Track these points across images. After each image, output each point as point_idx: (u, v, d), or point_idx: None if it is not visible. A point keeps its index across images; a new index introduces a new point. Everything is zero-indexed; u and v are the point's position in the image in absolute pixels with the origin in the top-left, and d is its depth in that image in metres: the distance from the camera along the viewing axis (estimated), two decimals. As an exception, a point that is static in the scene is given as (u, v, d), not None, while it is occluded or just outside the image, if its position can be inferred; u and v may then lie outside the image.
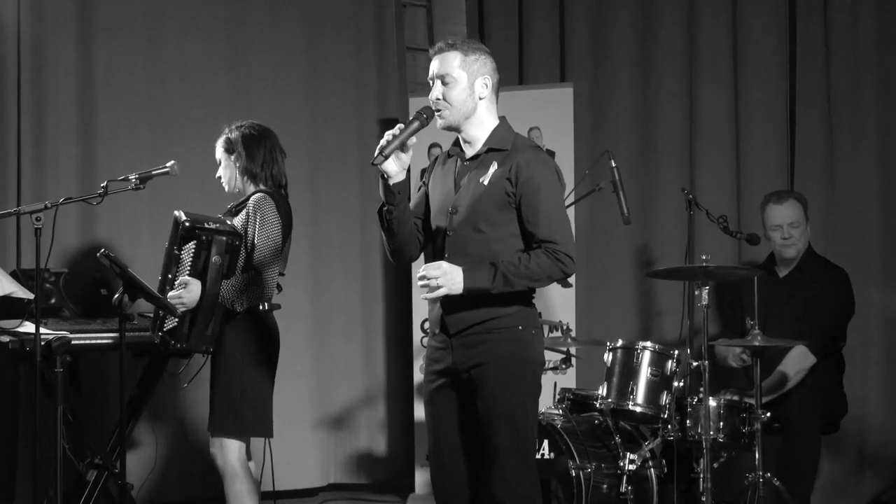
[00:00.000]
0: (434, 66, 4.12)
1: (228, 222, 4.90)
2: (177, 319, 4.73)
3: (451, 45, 4.12)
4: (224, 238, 4.77)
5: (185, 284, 4.72)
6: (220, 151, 5.09)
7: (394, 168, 3.95)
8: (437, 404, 4.16)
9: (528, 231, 4.07)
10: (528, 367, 4.12)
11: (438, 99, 4.08)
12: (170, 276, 4.78)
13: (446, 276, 3.95)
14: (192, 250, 4.74)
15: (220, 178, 5.12)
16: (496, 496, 4.03)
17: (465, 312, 4.04)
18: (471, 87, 4.10)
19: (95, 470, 5.24)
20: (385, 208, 4.03)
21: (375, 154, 3.91)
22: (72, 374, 5.58)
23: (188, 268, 4.75)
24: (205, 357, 4.98)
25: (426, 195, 4.26)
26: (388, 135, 3.93)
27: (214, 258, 4.73)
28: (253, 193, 4.95)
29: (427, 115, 4.03)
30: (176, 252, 4.78)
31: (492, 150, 4.12)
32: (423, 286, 3.99)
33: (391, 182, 3.97)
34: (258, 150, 5.01)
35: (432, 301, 4.07)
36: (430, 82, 4.13)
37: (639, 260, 7.15)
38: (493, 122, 4.16)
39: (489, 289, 3.98)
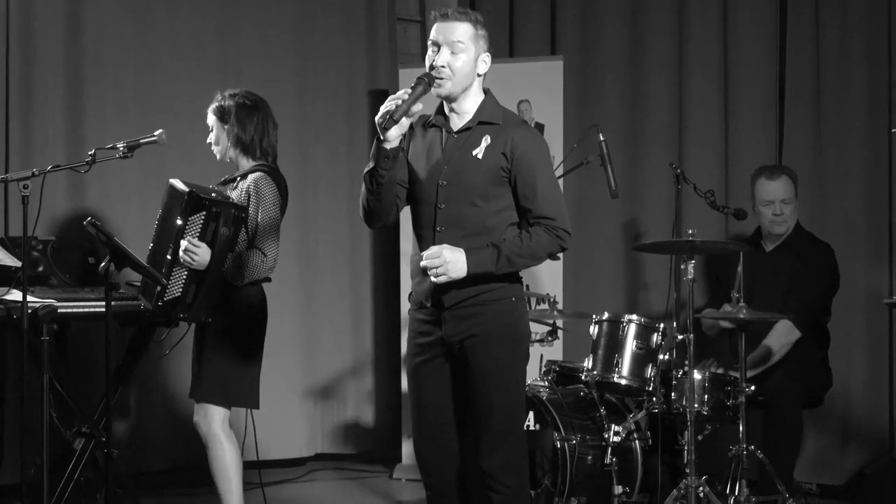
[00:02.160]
0: (441, 30, 4.06)
1: (227, 194, 4.91)
2: (178, 291, 4.74)
3: (464, 14, 4.08)
4: (232, 210, 4.79)
5: (198, 245, 4.72)
6: (211, 118, 5.08)
7: (394, 133, 3.91)
8: (423, 377, 4.17)
9: (524, 207, 4.08)
10: (520, 339, 4.17)
11: (443, 66, 4.03)
12: (170, 245, 4.76)
13: (448, 264, 3.96)
14: (201, 222, 4.73)
15: (210, 143, 5.12)
16: (487, 466, 4.06)
17: (457, 285, 4.03)
18: (475, 62, 4.08)
19: (83, 438, 5.25)
20: (377, 172, 3.99)
21: (385, 118, 3.86)
22: (59, 342, 5.59)
23: (196, 237, 4.74)
24: (189, 326, 5.00)
25: (407, 162, 4.21)
26: (395, 99, 3.89)
27: (223, 230, 4.74)
28: (251, 171, 4.94)
29: (429, 80, 4.00)
30: (179, 223, 4.75)
31: (482, 123, 4.11)
32: (430, 275, 3.99)
33: (387, 146, 3.94)
34: (251, 121, 5.01)
35: (423, 275, 4.05)
36: (432, 46, 4.07)
37: (626, 233, 7.16)
38: (481, 96, 4.15)
39: (494, 271, 4.01)
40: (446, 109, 4.17)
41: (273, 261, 4.87)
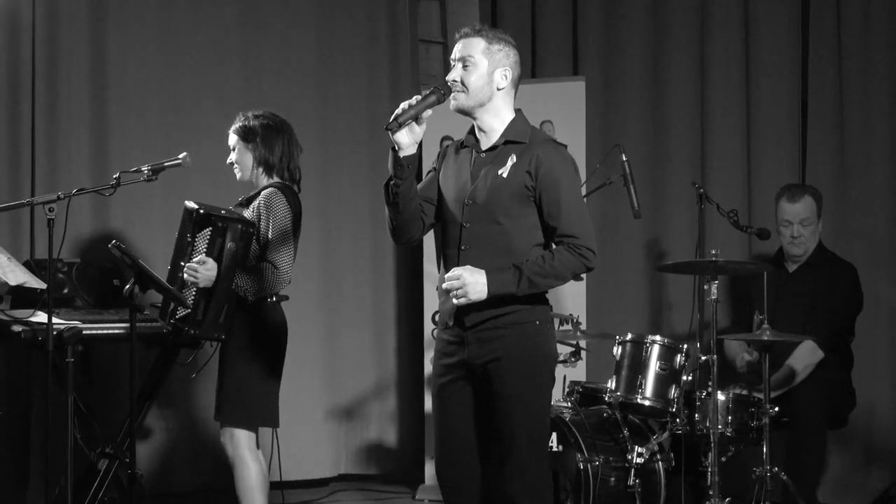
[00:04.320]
0: (457, 49, 4.10)
1: (240, 213, 4.93)
2: (188, 309, 4.76)
3: (478, 31, 4.10)
4: (239, 226, 4.80)
5: (203, 262, 4.74)
6: (234, 138, 5.10)
7: (406, 140, 3.92)
8: (447, 398, 4.13)
9: (549, 225, 4.05)
10: (545, 363, 4.12)
11: (455, 81, 4.05)
12: (182, 263, 4.80)
13: (467, 287, 3.94)
14: (208, 237, 4.77)
15: (231, 164, 5.14)
16: (510, 492, 4.02)
17: (479, 306, 4.00)
18: (490, 76, 4.07)
19: (106, 459, 5.27)
20: (392, 181, 4.00)
21: (389, 120, 3.88)
22: (84, 363, 5.61)
23: (203, 252, 4.78)
24: (213, 347, 5.02)
25: (437, 181, 4.22)
26: (403, 104, 3.90)
27: (230, 244, 4.76)
28: (264, 188, 4.97)
29: (444, 91, 4.00)
30: (189, 239, 4.81)
31: (509, 142, 4.10)
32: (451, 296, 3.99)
33: (401, 154, 3.93)
34: (277, 142, 5.04)
35: (448, 294, 4.03)
36: (452, 63, 4.11)
37: (649, 253, 7.16)
38: (510, 115, 4.14)
39: (515, 292, 3.98)
40: (476, 130, 4.18)
41: (286, 274, 4.87)
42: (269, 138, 5.03)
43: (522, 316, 4.04)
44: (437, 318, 4.24)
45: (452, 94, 4.06)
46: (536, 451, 4.07)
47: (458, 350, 4.10)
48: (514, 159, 4.05)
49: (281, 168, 5.02)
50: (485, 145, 4.14)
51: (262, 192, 4.95)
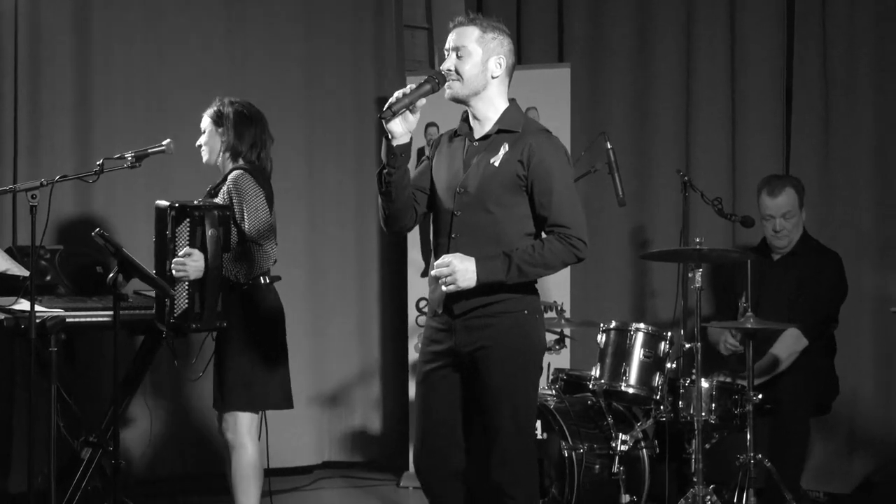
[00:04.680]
0: (451, 38, 4.11)
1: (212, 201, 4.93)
2: (185, 303, 4.75)
3: (472, 19, 4.11)
4: (215, 211, 4.80)
5: (189, 254, 4.74)
6: (206, 121, 5.11)
7: (399, 129, 3.92)
8: (431, 385, 4.14)
9: (540, 215, 4.06)
10: (533, 353, 4.13)
11: (449, 70, 4.06)
12: (167, 261, 4.79)
13: (456, 274, 3.94)
14: (187, 229, 4.76)
15: (199, 146, 5.14)
16: (496, 480, 4.03)
17: (468, 295, 4.01)
18: (484, 64, 4.08)
19: (90, 448, 5.26)
20: (385, 170, 4.00)
21: (384, 109, 3.88)
22: (67, 351, 5.60)
23: (186, 246, 4.77)
24: (206, 336, 5.01)
25: (430, 169, 4.23)
26: (398, 93, 3.91)
27: (210, 231, 4.75)
28: (229, 173, 4.97)
29: (439, 80, 4.01)
30: (169, 236, 4.80)
31: (502, 131, 4.11)
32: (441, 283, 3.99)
33: (395, 143, 3.94)
34: (248, 131, 5.04)
35: (437, 283, 4.04)
36: (446, 53, 4.12)
37: (634, 241, 7.16)
38: (504, 104, 4.16)
39: (504, 280, 3.98)
40: (470, 118, 4.18)
41: (270, 250, 4.87)
42: (240, 126, 5.04)
43: (511, 305, 4.05)
44: (423, 305, 4.24)
45: (447, 84, 4.07)
46: (523, 441, 4.08)
47: (445, 338, 4.10)
48: (507, 148, 4.06)
49: (248, 157, 5.03)
50: (478, 134, 4.15)
51: (229, 177, 4.96)
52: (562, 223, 4.02)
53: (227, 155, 5.05)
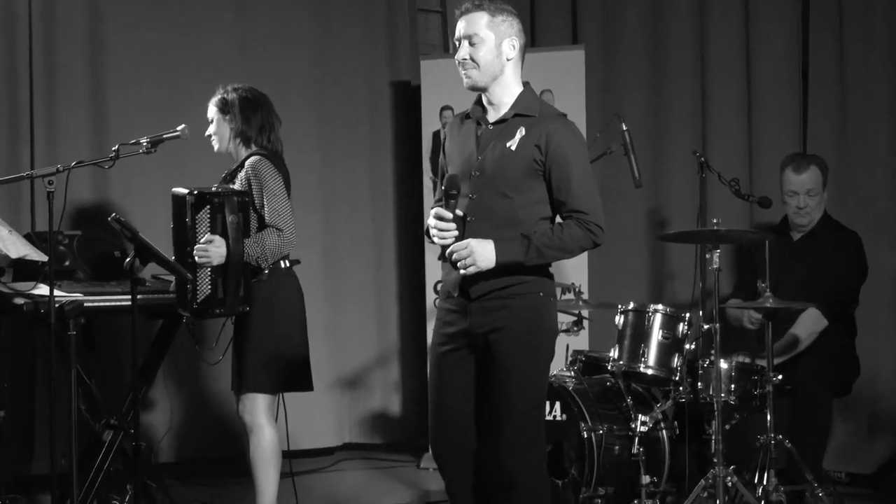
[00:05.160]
0: (460, 27, 4.10)
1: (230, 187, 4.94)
2: (208, 288, 4.77)
3: (478, 5, 4.09)
4: (234, 197, 4.82)
5: (210, 241, 4.76)
6: (213, 110, 5.14)
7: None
8: (445, 367, 4.16)
9: (558, 200, 4.07)
10: (547, 335, 4.15)
11: (465, 59, 4.06)
12: (188, 249, 4.80)
13: (475, 255, 3.96)
14: (208, 216, 4.78)
15: (209, 136, 5.16)
16: (504, 462, 4.04)
17: (485, 277, 4.02)
18: (498, 48, 4.08)
19: (111, 430, 5.27)
20: None
21: (449, 255, 4.01)
22: (87, 335, 5.60)
23: (207, 232, 4.78)
24: (225, 320, 5.02)
25: (443, 157, 4.26)
26: (445, 236, 4.00)
27: (230, 217, 4.77)
28: (247, 157, 4.98)
29: (457, 189, 4.04)
30: (188, 222, 4.80)
31: (518, 115, 4.11)
32: (459, 266, 4.01)
33: None
34: (255, 114, 5.07)
35: (452, 265, 4.05)
36: (457, 43, 4.11)
37: (651, 223, 7.15)
38: (518, 88, 4.16)
39: (522, 262, 4.00)
40: (484, 101, 4.17)
41: (290, 234, 4.90)
42: (247, 110, 5.06)
43: (527, 287, 4.06)
44: (439, 287, 4.24)
45: (465, 73, 4.08)
46: (533, 423, 4.09)
47: (460, 319, 4.11)
48: (523, 132, 4.06)
49: (260, 140, 5.05)
50: (493, 118, 4.15)
51: (247, 162, 4.98)
52: (580, 209, 4.04)
53: (238, 141, 5.07)
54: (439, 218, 4.00)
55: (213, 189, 4.84)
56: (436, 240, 4.02)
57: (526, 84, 4.17)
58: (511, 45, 4.10)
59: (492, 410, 4.08)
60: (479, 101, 4.20)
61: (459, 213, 4.00)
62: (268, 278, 4.93)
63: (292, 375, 4.99)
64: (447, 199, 4.02)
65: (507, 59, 4.10)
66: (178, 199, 4.89)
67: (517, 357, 4.03)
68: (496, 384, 4.05)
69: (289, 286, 5.00)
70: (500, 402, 4.04)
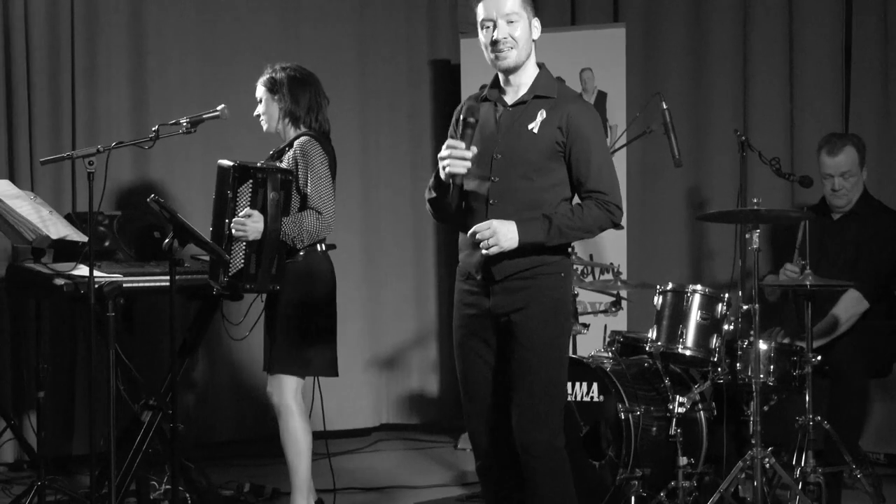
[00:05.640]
0: (492, 8, 4.06)
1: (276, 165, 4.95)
2: (241, 263, 4.77)
3: None
4: (278, 175, 4.82)
5: (249, 215, 4.76)
6: (261, 90, 5.12)
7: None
8: (468, 353, 4.20)
9: (577, 180, 4.10)
10: (567, 315, 4.21)
11: (506, 38, 4.04)
12: (226, 220, 4.80)
13: (498, 235, 3.96)
14: (249, 190, 4.78)
15: (258, 116, 5.15)
16: (528, 440, 4.07)
17: (509, 259, 4.04)
18: (530, 27, 4.10)
19: (150, 411, 5.31)
20: (443, 201, 4.09)
21: (452, 181, 3.94)
22: (126, 316, 5.65)
23: (247, 207, 4.79)
24: (262, 301, 5.04)
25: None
26: (458, 164, 3.92)
27: (272, 194, 4.78)
28: (296, 137, 4.97)
29: (475, 118, 4.01)
30: (230, 194, 4.80)
31: (537, 97, 4.11)
32: (482, 247, 4.01)
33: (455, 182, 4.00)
34: (304, 94, 5.04)
35: (474, 247, 4.07)
36: (485, 26, 4.07)
37: (691, 202, 7.11)
38: (535, 69, 4.16)
39: (544, 241, 4.01)
40: (502, 82, 4.17)
41: (330, 219, 4.89)
42: (295, 90, 5.03)
43: (551, 269, 4.10)
44: (458, 269, 4.24)
45: (503, 54, 4.06)
46: (556, 401, 4.13)
47: (481, 300, 4.14)
48: (544, 115, 4.08)
49: (308, 120, 5.04)
50: (511, 99, 4.16)
51: (296, 142, 4.97)
52: (600, 189, 4.07)
53: (287, 121, 5.06)
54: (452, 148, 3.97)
55: (258, 164, 4.83)
56: (446, 170, 3.95)
57: (541, 65, 4.18)
58: (535, 26, 4.13)
59: (513, 384, 4.09)
60: (495, 84, 4.19)
61: (474, 149, 3.95)
62: (303, 259, 4.94)
63: (319, 360, 5.00)
64: (464, 130, 3.99)
65: (533, 40, 4.13)
66: (222, 171, 4.88)
67: (542, 335, 4.07)
68: (521, 361, 4.07)
69: (323, 270, 5.00)
70: (523, 378, 4.07)
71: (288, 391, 4.96)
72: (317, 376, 5.07)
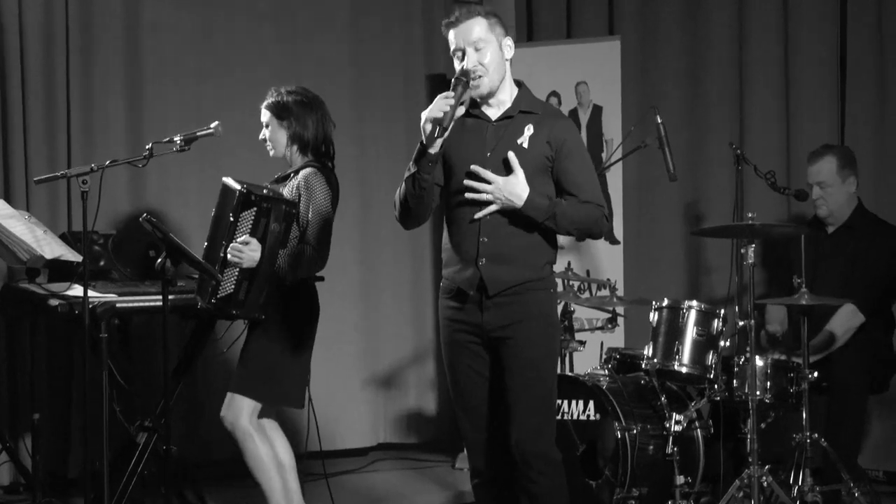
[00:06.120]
0: (459, 36, 4.11)
1: (280, 191, 4.90)
2: (231, 287, 4.73)
3: (471, 12, 4.13)
4: (283, 206, 4.77)
5: (247, 243, 4.71)
6: (267, 115, 5.03)
7: (440, 140, 3.97)
8: (465, 366, 4.22)
9: (568, 193, 4.14)
10: (556, 329, 4.30)
11: (476, 66, 4.07)
12: (223, 243, 4.75)
13: (501, 191, 4.02)
14: (252, 218, 4.72)
15: (264, 140, 5.08)
16: (523, 453, 4.08)
17: (504, 274, 4.08)
18: (500, 50, 4.13)
19: (145, 433, 5.29)
20: (420, 175, 4.04)
21: (435, 128, 3.91)
22: (122, 336, 5.63)
23: (247, 233, 4.73)
24: (245, 324, 5.00)
25: (440, 160, 4.19)
26: (443, 107, 3.92)
27: (273, 225, 4.73)
28: (302, 168, 4.92)
29: (466, 77, 4.04)
30: (231, 218, 4.74)
31: (523, 112, 4.16)
32: (472, 198, 4.05)
33: (432, 151, 3.99)
34: (310, 119, 4.97)
35: (465, 263, 4.12)
36: (455, 56, 4.12)
37: (686, 216, 7.09)
38: (514, 87, 4.21)
39: (540, 221, 4.06)
40: (480, 104, 4.19)
41: (325, 257, 4.85)
42: (303, 115, 4.96)
43: (542, 284, 4.16)
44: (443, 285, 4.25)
45: (474, 83, 4.09)
46: (549, 415, 4.18)
47: (472, 316, 4.16)
48: (532, 130, 4.12)
49: (316, 145, 4.98)
50: (494, 115, 4.18)
51: (301, 173, 4.90)
52: (594, 201, 4.14)
53: (295, 147, 4.98)
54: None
55: (265, 192, 4.76)
56: (432, 111, 3.93)
57: (521, 83, 4.23)
58: (508, 45, 4.16)
59: (511, 398, 4.11)
60: (474, 105, 4.20)
61: (464, 101, 3.98)
62: (290, 291, 4.86)
63: (285, 390, 4.89)
64: (455, 86, 3.99)
65: (507, 59, 4.15)
66: (226, 192, 4.81)
67: (538, 350, 4.11)
68: (520, 376, 4.09)
69: (308, 302, 4.94)
70: (523, 392, 4.09)
71: (242, 414, 4.84)
72: (276, 406, 4.98)
